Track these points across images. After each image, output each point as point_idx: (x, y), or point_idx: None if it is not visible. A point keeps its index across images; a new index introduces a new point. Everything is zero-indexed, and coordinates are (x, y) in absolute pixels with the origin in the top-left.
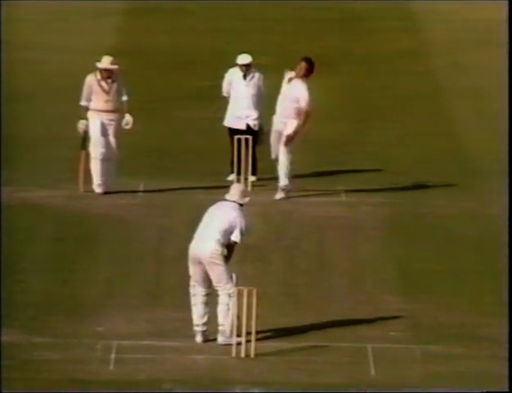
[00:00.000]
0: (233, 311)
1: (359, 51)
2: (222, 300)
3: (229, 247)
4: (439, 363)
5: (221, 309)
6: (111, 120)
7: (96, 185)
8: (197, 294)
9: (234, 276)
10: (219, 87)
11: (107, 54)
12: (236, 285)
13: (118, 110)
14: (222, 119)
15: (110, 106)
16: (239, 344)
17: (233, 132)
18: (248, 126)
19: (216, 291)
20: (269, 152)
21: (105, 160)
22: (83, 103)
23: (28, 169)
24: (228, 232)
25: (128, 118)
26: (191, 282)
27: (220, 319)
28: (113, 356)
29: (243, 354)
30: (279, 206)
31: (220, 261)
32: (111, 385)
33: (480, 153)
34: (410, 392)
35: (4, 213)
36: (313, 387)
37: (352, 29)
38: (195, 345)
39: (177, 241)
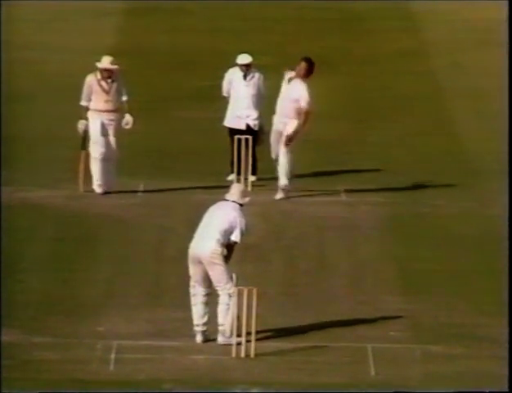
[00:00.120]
0: (233, 311)
1: (359, 51)
2: (222, 300)
3: (229, 247)
4: (439, 363)
5: (221, 309)
6: (111, 120)
7: (97, 185)
8: (197, 294)
9: (234, 276)
10: (219, 87)
11: (107, 54)
12: (236, 285)
13: (118, 110)
14: (222, 119)
15: (110, 106)
16: (239, 344)
17: (233, 132)
18: (248, 126)
19: (216, 291)
20: (269, 152)
21: (105, 160)
22: (83, 103)
23: (28, 169)
24: (228, 232)
25: (128, 118)
26: (191, 282)
27: (220, 319)
28: (113, 356)
29: (243, 354)
30: (279, 206)
31: (220, 261)
32: (111, 385)
33: (480, 153)
34: (410, 392)
35: (4, 213)
36: (313, 387)
37: (352, 29)
38: (195, 345)
39: (177, 241)
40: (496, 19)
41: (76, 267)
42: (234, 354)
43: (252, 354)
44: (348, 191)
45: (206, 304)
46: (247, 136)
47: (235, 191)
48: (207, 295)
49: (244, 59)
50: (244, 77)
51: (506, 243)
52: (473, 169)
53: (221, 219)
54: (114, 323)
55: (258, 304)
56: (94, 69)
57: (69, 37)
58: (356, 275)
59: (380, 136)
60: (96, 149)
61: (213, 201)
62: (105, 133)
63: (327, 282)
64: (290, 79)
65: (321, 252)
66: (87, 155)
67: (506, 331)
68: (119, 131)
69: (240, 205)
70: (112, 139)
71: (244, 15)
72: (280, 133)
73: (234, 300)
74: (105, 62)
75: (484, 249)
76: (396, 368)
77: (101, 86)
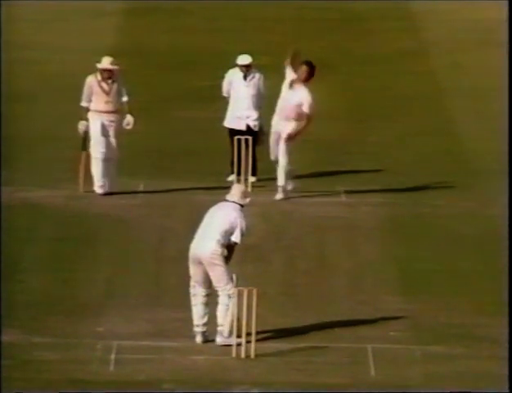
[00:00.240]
0: (233, 312)
1: (359, 51)
2: (222, 300)
3: (229, 248)
4: (439, 363)
5: (220, 310)
6: (111, 121)
7: (98, 186)
8: (197, 294)
9: (234, 276)
10: (219, 87)
11: (107, 54)
12: (236, 285)
13: (118, 111)
14: (222, 119)
15: (110, 107)
16: (239, 344)
17: (233, 132)
18: (248, 127)
19: (216, 291)
20: (269, 153)
21: (106, 161)
22: (83, 104)
23: (28, 169)
24: (229, 233)
25: (128, 118)
26: (192, 283)
27: (219, 320)
28: (113, 356)
29: (243, 355)
30: (279, 207)
31: (220, 262)
32: (111, 385)
33: (480, 153)
34: (410, 392)
35: (4, 213)
36: (313, 388)
37: (352, 29)
38: (195, 346)
39: (177, 241)
40: (496, 19)
41: (76, 267)
42: (234, 355)
43: (252, 354)
44: (347, 191)
45: (206, 304)
46: (247, 136)
47: (235, 192)
48: (207, 295)
49: (245, 59)
50: (245, 77)
51: (506, 243)
52: (473, 169)
53: (221, 219)
54: (114, 323)
55: (258, 305)
56: (94, 69)
57: (70, 37)
58: (356, 275)
59: (380, 136)
60: (97, 149)
61: (213, 202)
62: (105, 133)
63: (327, 282)
64: (292, 84)
65: (321, 252)
66: (88, 156)
67: (506, 331)
68: (120, 132)
69: (241, 205)
70: (112, 140)
71: (244, 15)
72: (279, 135)
73: (234, 300)
74: (105, 63)
75: (484, 249)
76: (396, 368)
77: (101, 87)
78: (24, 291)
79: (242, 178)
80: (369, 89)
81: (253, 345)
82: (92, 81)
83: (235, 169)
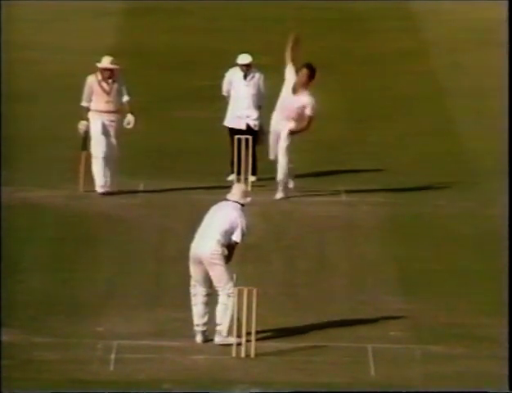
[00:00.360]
0: (232, 311)
1: (359, 51)
2: (222, 300)
3: (230, 247)
4: (439, 363)
5: (219, 310)
6: (112, 121)
7: (99, 186)
8: (198, 294)
9: (234, 276)
10: (219, 87)
11: (107, 54)
12: (236, 285)
13: (118, 111)
14: (222, 119)
15: (110, 107)
16: (239, 344)
17: (233, 132)
18: (248, 126)
19: (217, 291)
20: (269, 152)
21: (107, 160)
22: (83, 104)
23: (28, 169)
24: (229, 233)
25: (129, 117)
26: (192, 282)
27: (218, 319)
28: (113, 356)
29: (243, 355)
30: (279, 206)
31: (220, 261)
32: (111, 385)
33: (480, 153)
34: (410, 392)
35: (4, 213)
36: (313, 387)
37: (352, 29)
38: (195, 345)
39: (177, 241)
40: (496, 19)
41: (76, 267)
42: (234, 354)
43: (252, 354)
44: (348, 191)
45: (206, 304)
46: (247, 136)
47: (236, 192)
48: (207, 295)
49: (245, 59)
50: (245, 77)
51: (506, 243)
52: (473, 169)
53: (222, 219)
54: (114, 323)
55: (258, 305)
56: (94, 69)
57: (70, 37)
58: (356, 275)
59: (380, 136)
60: (97, 149)
61: (213, 201)
62: (106, 133)
63: (327, 282)
64: (295, 89)
65: (321, 252)
66: (88, 156)
67: (506, 331)
68: (120, 131)
69: (242, 205)
70: (113, 140)
71: (244, 15)
72: (278, 134)
73: (233, 300)
74: (106, 62)
75: (484, 249)
76: (396, 368)
77: (101, 87)
78: (24, 291)
79: (242, 177)
80: (369, 89)
81: (253, 344)
82: (92, 81)
83: (235, 169)
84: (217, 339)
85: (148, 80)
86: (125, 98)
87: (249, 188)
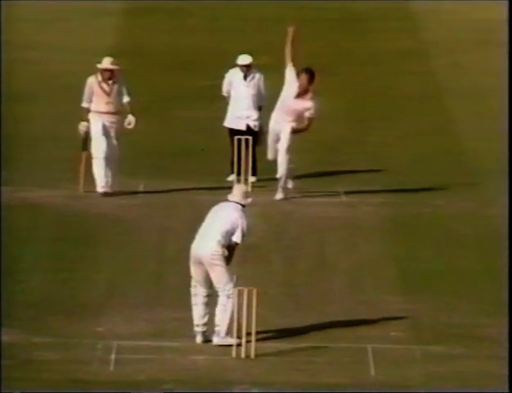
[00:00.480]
0: (231, 312)
1: (359, 51)
2: (221, 301)
3: (230, 248)
4: (439, 363)
5: (218, 310)
6: (112, 122)
7: (100, 186)
8: (198, 294)
9: (234, 277)
10: (219, 87)
11: (107, 54)
12: (236, 285)
13: (119, 112)
14: (222, 119)
15: (111, 108)
16: (239, 345)
17: (233, 132)
18: (248, 127)
19: (217, 291)
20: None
21: (107, 161)
22: (84, 105)
23: (28, 169)
24: (230, 233)
25: (130, 118)
26: (192, 283)
27: (217, 320)
28: (113, 356)
29: (243, 355)
30: (279, 207)
31: (220, 262)
32: (111, 385)
33: (480, 153)
34: (410, 392)
35: (4, 213)
36: (313, 388)
37: (352, 29)
38: (195, 346)
39: (178, 241)
40: (496, 19)
41: (76, 267)
42: (234, 355)
43: (252, 354)
44: (348, 191)
45: (207, 304)
46: (247, 136)
47: (237, 192)
48: (208, 295)
49: (245, 59)
50: (245, 77)
51: (506, 243)
52: (473, 169)
53: (223, 219)
54: (114, 323)
55: (258, 305)
56: (94, 69)
57: (70, 37)
58: (356, 275)
59: (380, 136)
60: (98, 149)
61: (213, 202)
62: (106, 134)
63: (327, 282)
64: (299, 94)
65: (321, 252)
66: (88, 157)
67: (506, 331)
68: (120, 132)
69: (243, 205)
70: (113, 141)
71: (244, 15)
72: (277, 135)
73: (233, 300)
74: (106, 63)
75: (484, 249)
76: (396, 368)
77: (101, 88)
78: (24, 291)
79: (242, 178)
80: (369, 89)
81: (253, 344)
82: (92, 82)
83: (235, 169)
84: (216, 339)
85: (148, 80)
86: (125, 99)
87: (249, 189)
